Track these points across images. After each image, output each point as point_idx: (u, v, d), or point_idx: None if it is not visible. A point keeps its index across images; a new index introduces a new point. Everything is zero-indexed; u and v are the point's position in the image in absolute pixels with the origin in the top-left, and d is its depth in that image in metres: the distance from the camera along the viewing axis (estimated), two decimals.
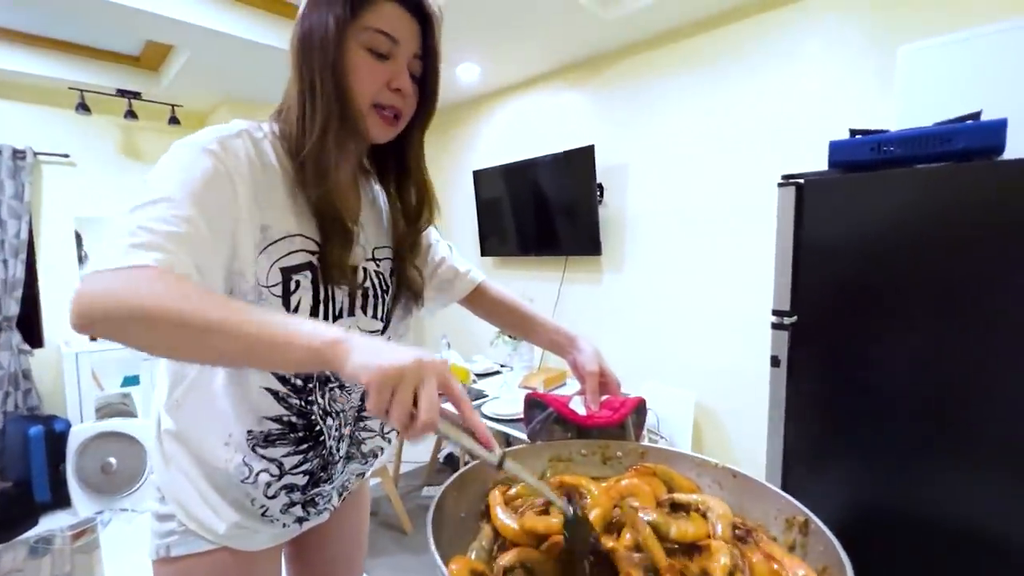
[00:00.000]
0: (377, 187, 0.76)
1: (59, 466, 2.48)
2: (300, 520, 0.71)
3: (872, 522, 1.02)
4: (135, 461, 2.51)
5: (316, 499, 0.71)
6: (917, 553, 0.98)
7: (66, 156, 2.86)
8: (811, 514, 0.50)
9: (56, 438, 2.50)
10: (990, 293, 0.89)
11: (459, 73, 2.65)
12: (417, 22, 0.62)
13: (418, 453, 3.10)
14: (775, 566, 0.48)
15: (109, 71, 2.73)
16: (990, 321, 0.89)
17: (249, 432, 0.62)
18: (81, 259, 3.05)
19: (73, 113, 2.74)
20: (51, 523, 2.43)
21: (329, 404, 0.67)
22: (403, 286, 0.74)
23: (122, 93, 2.82)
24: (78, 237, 3.03)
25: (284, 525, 0.70)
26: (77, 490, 2.43)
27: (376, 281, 0.70)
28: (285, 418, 0.63)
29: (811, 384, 1.11)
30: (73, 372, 2.62)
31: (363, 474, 0.79)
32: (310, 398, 0.65)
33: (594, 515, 0.54)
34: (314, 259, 0.61)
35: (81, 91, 2.71)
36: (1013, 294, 0.87)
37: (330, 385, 0.66)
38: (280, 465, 0.65)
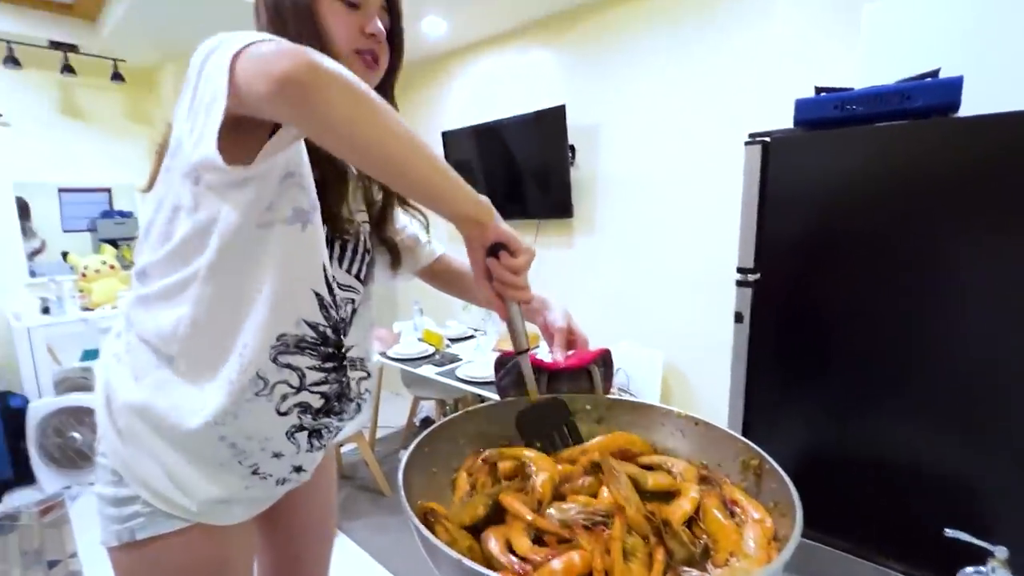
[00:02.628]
0: None
1: (20, 443, 2.40)
2: (297, 469, 0.69)
3: (826, 465, 1.09)
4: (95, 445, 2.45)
5: (322, 431, 0.68)
6: (867, 493, 1.05)
7: None
8: (764, 454, 0.53)
9: (13, 414, 2.42)
10: (945, 245, 0.93)
11: (424, 27, 2.53)
12: None
13: (394, 418, 3.13)
14: (735, 508, 0.51)
15: (39, 20, 2.50)
16: (945, 271, 0.94)
17: (280, 337, 0.59)
18: (25, 232, 2.88)
19: (2, 68, 2.51)
20: (16, 501, 2.38)
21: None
22: (381, 249, 0.75)
23: (56, 45, 2.60)
24: (24, 206, 2.85)
25: (277, 482, 0.67)
26: (41, 466, 2.37)
27: (361, 238, 0.71)
28: (321, 328, 0.63)
29: (772, 338, 1.15)
30: (26, 347, 2.51)
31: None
32: (345, 316, 0.67)
33: (542, 480, 0.54)
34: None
35: (7, 43, 2.48)
36: (966, 246, 0.91)
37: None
38: (302, 376, 0.62)
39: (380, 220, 0.76)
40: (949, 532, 0.76)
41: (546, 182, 2.47)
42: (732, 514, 0.51)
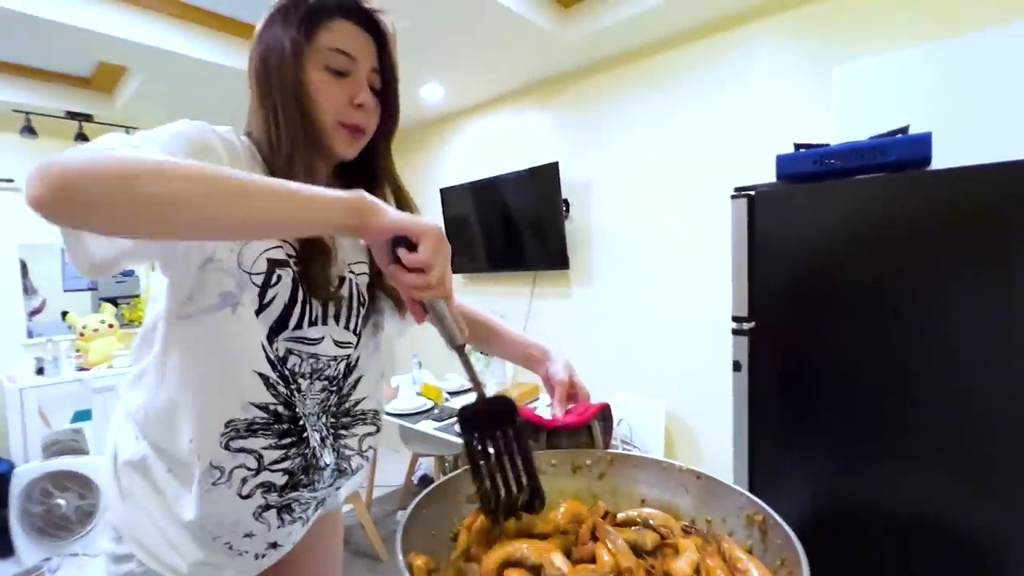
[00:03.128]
0: None
1: (2, 511, 2.31)
2: (273, 545, 0.68)
3: (832, 517, 1.06)
4: (87, 501, 2.36)
5: (292, 504, 0.67)
6: (875, 546, 1.02)
7: (10, 181, 2.73)
8: (769, 508, 0.52)
9: None
10: (929, 290, 0.96)
11: (423, 93, 2.68)
12: (372, 37, 0.65)
13: (392, 476, 3.03)
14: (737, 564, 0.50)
15: (58, 93, 2.64)
16: (931, 316, 0.95)
17: (229, 423, 0.59)
18: (27, 289, 2.90)
19: (18, 137, 2.63)
20: None
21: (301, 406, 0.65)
22: (379, 300, 0.74)
23: (72, 115, 2.73)
24: (23, 265, 2.89)
25: (256, 556, 0.67)
26: (21, 536, 2.27)
27: (353, 292, 0.70)
28: (271, 406, 0.61)
29: (771, 386, 1.15)
30: (17, 409, 2.46)
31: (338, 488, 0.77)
32: (296, 389, 0.63)
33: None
34: (293, 263, 0.60)
35: (27, 114, 2.61)
36: (944, 290, 0.94)
37: (291, 385, 0.64)
38: (259, 458, 0.61)
39: (377, 272, 0.73)
40: None
41: (541, 235, 2.53)
42: (732, 573, 0.49)
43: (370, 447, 0.75)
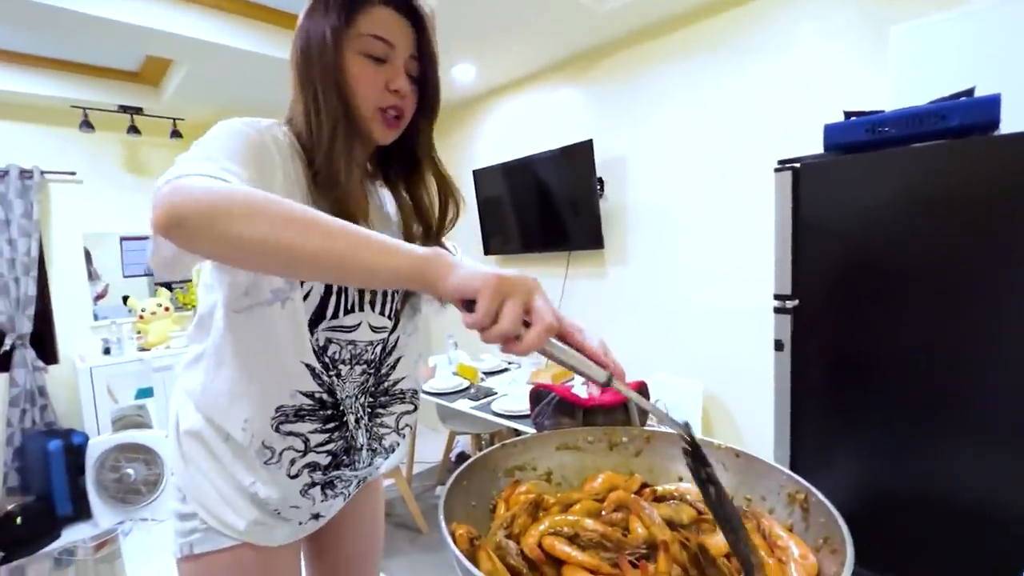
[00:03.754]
0: (383, 190, 0.78)
1: (79, 479, 2.52)
2: (316, 516, 0.73)
3: (875, 498, 1.03)
4: (152, 471, 2.55)
5: (335, 482, 0.72)
6: (917, 526, 0.98)
7: (72, 174, 2.90)
8: (811, 487, 0.51)
9: (75, 452, 2.55)
10: (989, 270, 0.90)
11: (455, 74, 2.66)
12: (410, 23, 0.65)
13: (431, 453, 3.12)
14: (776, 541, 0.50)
15: (110, 88, 2.77)
16: (989, 297, 0.89)
17: (279, 408, 0.64)
18: (91, 275, 3.10)
19: (77, 131, 2.78)
20: (73, 535, 2.48)
21: (340, 391, 0.69)
22: None
23: (124, 109, 2.86)
24: (87, 254, 3.08)
25: (299, 523, 0.72)
26: (97, 502, 2.48)
27: None
28: (317, 394, 0.66)
29: (814, 366, 1.12)
30: (88, 386, 2.66)
31: (378, 467, 0.81)
32: (337, 375, 0.68)
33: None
34: None
35: (84, 109, 2.76)
36: (1010, 268, 0.87)
37: (330, 371, 0.68)
38: (306, 441, 0.67)
39: None
40: None
41: (576, 214, 2.50)
42: (771, 550, 0.49)
43: (407, 425, 0.79)
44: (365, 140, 0.66)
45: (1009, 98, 0.93)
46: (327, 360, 0.66)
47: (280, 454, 0.66)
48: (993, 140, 0.93)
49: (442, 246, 0.76)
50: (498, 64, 2.61)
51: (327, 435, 0.68)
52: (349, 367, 0.69)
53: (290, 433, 0.65)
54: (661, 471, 0.67)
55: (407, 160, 0.74)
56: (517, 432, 1.95)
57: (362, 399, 0.72)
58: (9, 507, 2.37)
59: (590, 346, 0.51)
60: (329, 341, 0.66)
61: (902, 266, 0.99)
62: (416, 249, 0.46)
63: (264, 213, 0.44)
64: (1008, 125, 0.94)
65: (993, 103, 0.94)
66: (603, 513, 0.57)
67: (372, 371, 0.73)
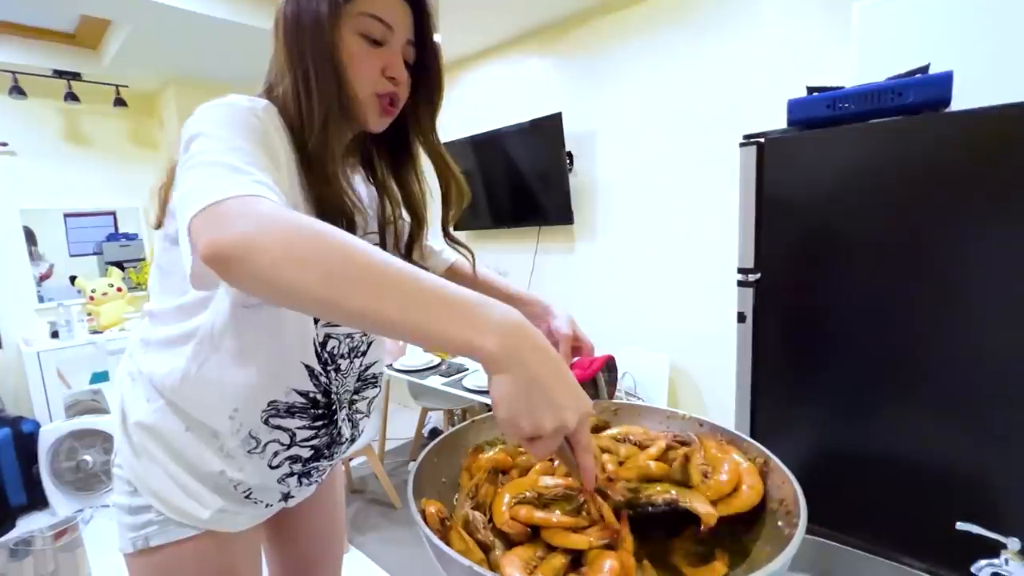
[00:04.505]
0: (355, 172, 0.74)
1: (32, 467, 2.42)
2: (286, 497, 0.72)
3: (829, 461, 1.09)
4: (112, 457, 2.47)
5: (312, 472, 0.72)
6: (867, 487, 1.05)
7: (4, 144, 2.69)
8: (769, 452, 0.53)
9: (25, 439, 2.43)
10: (940, 240, 0.94)
11: None
12: (409, 7, 0.62)
13: (403, 429, 3.13)
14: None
15: (43, 50, 2.55)
16: (940, 266, 0.94)
17: (271, 403, 0.62)
18: (33, 255, 2.91)
19: (7, 97, 2.56)
20: (29, 525, 2.39)
21: (338, 386, 0.68)
22: None
23: (59, 74, 2.65)
24: (28, 232, 2.89)
25: (267, 505, 0.71)
26: (53, 490, 2.39)
27: None
28: (312, 394, 0.65)
29: (776, 337, 1.16)
30: (36, 372, 2.53)
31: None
32: (336, 369, 0.67)
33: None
34: None
35: (14, 73, 2.53)
36: (960, 240, 0.92)
37: (329, 368, 0.67)
38: (292, 435, 0.66)
39: (384, 244, 0.72)
40: (961, 526, 0.76)
41: (545, 189, 2.49)
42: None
43: (375, 407, 0.80)
44: (356, 126, 0.63)
45: (961, 75, 0.96)
46: (326, 356, 0.65)
47: (265, 445, 0.64)
48: (943, 117, 0.96)
49: (421, 234, 0.75)
50: (465, 32, 2.53)
51: (314, 431, 0.68)
52: (348, 360, 0.69)
53: (278, 427, 0.64)
54: None
55: (399, 149, 0.71)
56: (490, 408, 1.97)
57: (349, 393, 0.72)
58: None
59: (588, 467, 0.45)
60: (328, 336, 0.65)
61: (859, 240, 1.03)
62: (495, 316, 0.38)
63: (329, 262, 0.37)
64: (959, 102, 0.97)
65: (946, 80, 0.97)
66: (554, 463, 0.59)
67: (360, 360, 0.72)
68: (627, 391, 2.21)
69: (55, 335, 2.69)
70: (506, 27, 2.47)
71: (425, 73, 0.66)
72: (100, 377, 2.81)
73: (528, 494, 0.51)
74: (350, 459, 2.49)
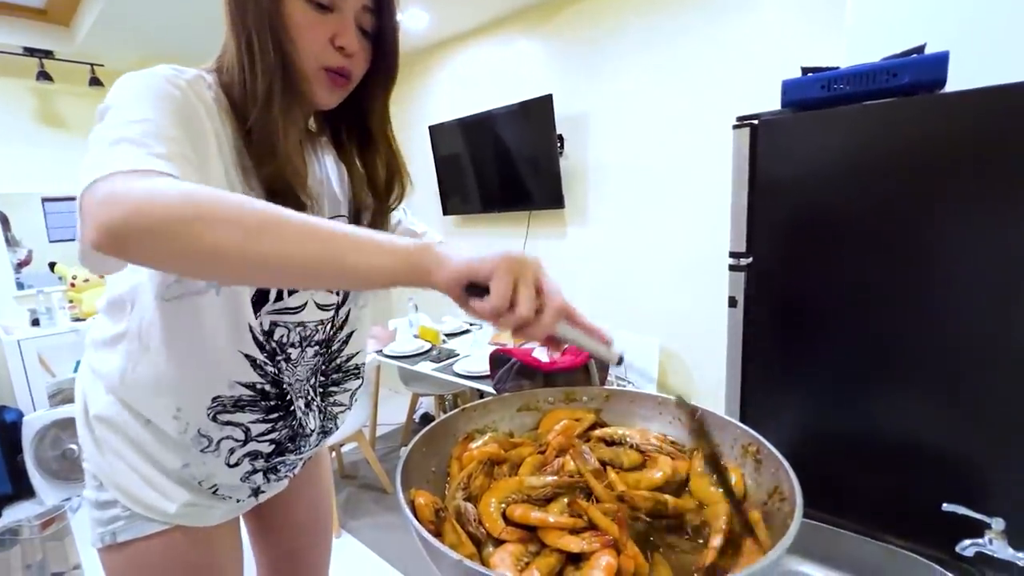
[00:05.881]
0: (327, 152, 0.71)
1: (17, 457, 2.38)
2: (256, 492, 0.70)
3: (825, 446, 1.10)
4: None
5: (279, 467, 0.69)
6: (867, 472, 1.06)
7: None
8: (761, 439, 0.53)
9: (8, 428, 2.39)
10: (934, 223, 0.94)
11: (406, 20, 2.50)
12: None
13: (394, 415, 3.13)
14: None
15: (12, 27, 2.44)
16: (934, 250, 0.94)
17: (215, 399, 0.59)
18: (9, 241, 2.83)
19: None
20: (16, 514, 2.36)
21: (290, 375, 0.65)
22: None
23: (30, 52, 2.54)
24: (3, 217, 2.80)
25: (238, 500, 0.69)
26: (39, 479, 2.36)
27: None
28: (258, 385, 0.62)
29: (767, 321, 1.16)
30: (17, 360, 2.48)
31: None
32: (285, 359, 0.63)
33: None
34: None
35: None
36: (955, 223, 0.91)
37: (278, 357, 0.64)
38: (246, 431, 0.63)
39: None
40: (947, 507, 0.77)
41: (536, 173, 2.46)
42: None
43: (357, 398, 0.77)
44: (304, 101, 0.58)
45: (957, 56, 0.95)
46: (274, 345, 0.61)
47: (218, 443, 0.61)
48: (939, 98, 0.95)
49: (386, 220, 0.71)
50: (453, 10, 2.46)
51: (269, 425, 0.64)
52: (300, 350, 0.65)
53: (228, 423, 0.61)
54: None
55: (360, 132, 0.67)
56: (481, 393, 1.97)
57: (313, 380, 0.69)
58: None
59: (595, 326, 0.48)
60: (275, 325, 0.61)
61: (853, 221, 1.02)
62: (399, 242, 0.42)
63: (226, 221, 0.37)
64: (955, 82, 0.96)
65: (941, 61, 0.95)
66: (547, 460, 0.58)
67: (323, 351, 0.68)
68: (618, 375, 2.22)
69: (36, 323, 2.63)
70: (497, 5, 2.41)
71: (381, 44, 0.60)
72: None
73: (514, 496, 0.51)
74: (340, 445, 2.48)
